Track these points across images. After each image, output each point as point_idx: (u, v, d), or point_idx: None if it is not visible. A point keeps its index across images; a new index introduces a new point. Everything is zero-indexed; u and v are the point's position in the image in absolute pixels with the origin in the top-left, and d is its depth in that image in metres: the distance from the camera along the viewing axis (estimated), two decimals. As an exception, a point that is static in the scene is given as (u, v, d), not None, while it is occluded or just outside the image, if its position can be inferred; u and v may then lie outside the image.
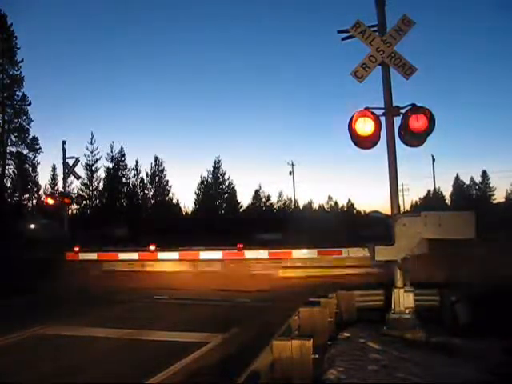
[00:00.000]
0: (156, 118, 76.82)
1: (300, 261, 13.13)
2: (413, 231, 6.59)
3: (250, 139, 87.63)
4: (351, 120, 6.85)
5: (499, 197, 64.74)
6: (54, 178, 42.07)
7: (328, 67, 76.89)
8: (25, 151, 35.95)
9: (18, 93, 35.14)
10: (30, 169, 37.62)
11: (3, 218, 27.17)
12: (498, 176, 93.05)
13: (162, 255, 14.26)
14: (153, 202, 46.27)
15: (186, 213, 50.02)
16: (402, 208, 10.50)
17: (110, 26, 72.63)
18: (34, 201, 39.62)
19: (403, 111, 6.88)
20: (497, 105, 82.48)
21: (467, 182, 68.00)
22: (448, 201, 65.44)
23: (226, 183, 50.69)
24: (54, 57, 74.24)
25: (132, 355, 6.26)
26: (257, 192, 55.63)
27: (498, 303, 6.97)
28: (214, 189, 49.79)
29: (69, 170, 23.80)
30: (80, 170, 35.21)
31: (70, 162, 23.75)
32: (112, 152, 42.14)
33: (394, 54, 6.95)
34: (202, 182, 49.73)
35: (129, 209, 41.50)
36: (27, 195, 38.68)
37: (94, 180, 41.02)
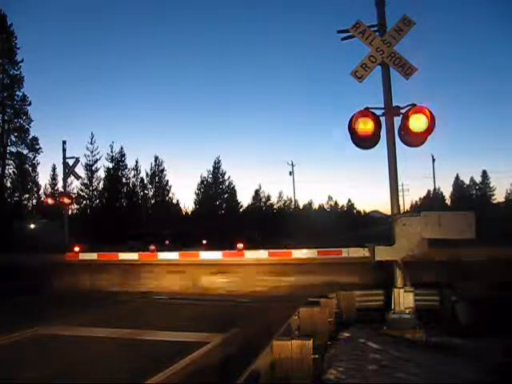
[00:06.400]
0: (156, 118, 77.27)
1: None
2: (413, 231, 6.58)
3: (249, 139, 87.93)
4: (351, 120, 6.85)
5: (499, 197, 64.90)
6: (54, 177, 42.26)
7: (328, 67, 76.95)
8: (25, 151, 35.98)
9: (18, 93, 35.19)
10: (30, 169, 37.66)
11: (3, 217, 27.18)
12: (498, 176, 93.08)
13: (161, 255, 14.23)
14: (153, 201, 46.31)
15: (186, 213, 50.10)
16: (402, 208, 10.46)
17: (111, 26, 72.85)
18: (34, 201, 39.67)
19: (403, 111, 6.87)
20: (497, 105, 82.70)
21: (467, 181, 68.13)
22: (448, 201, 65.51)
23: (226, 183, 50.81)
24: (54, 57, 74.42)
25: (132, 355, 6.25)
26: (257, 192, 55.81)
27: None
28: (214, 189, 49.84)
29: (69, 170, 23.77)
30: (80, 169, 35.33)
31: (70, 162, 23.73)
32: (112, 152, 42.27)
33: (394, 54, 6.95)
34: (202, 181, 49.82)
35: (129, 209, 41.51)
36: (27, 195, 38.70)
37: (94, 180, 41.10)
